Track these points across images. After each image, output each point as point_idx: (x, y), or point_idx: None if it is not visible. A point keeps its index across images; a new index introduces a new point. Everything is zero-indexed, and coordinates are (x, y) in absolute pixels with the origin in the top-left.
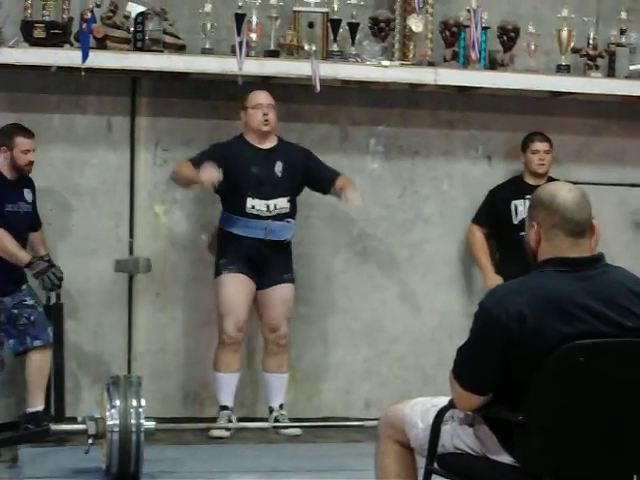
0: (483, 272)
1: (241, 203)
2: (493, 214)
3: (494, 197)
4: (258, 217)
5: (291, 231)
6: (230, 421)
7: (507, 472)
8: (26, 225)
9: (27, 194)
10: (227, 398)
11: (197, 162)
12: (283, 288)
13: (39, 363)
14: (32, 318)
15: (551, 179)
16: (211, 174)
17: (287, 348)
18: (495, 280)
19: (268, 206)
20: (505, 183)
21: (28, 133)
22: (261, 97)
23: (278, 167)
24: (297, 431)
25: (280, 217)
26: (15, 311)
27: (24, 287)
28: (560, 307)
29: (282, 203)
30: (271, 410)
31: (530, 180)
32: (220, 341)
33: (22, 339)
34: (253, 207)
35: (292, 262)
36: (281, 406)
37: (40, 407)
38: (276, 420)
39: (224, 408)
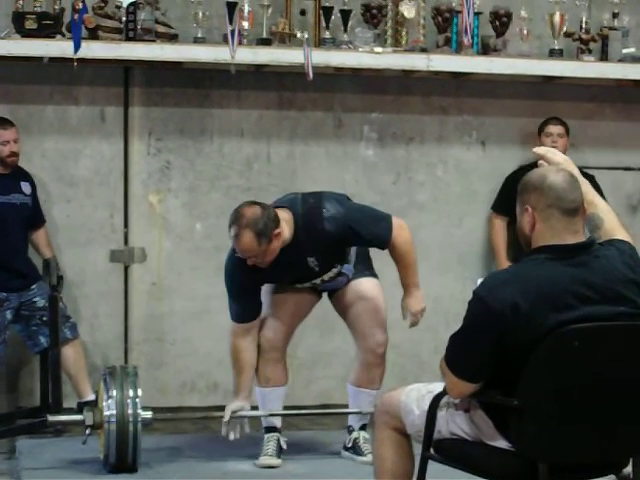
0: (496, 260)
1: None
2: (509, 201)
3: (509, 184)
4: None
5: (347, 276)
6: (280, 447)
7: (503, 457)
8: (22, 217)
9: (24, 186)
10: (271, 418)
11: (240, 318)
12: (361, 283)
13: (70, 355)
14: (45, 319)
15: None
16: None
17: (384, 359)
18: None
19: (314, 283)
20: (520, 169)
21: (4, 124)
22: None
23: (312, 262)
24: (367, 459)
25: (331, 279)
26: (25, 312)
27: (34, 287)
28: (553, 296)
29: (330, 273)
30: (350, 430)
31: None
32: (259, 347)
33: (36, 340)
34: (294, 283)
35: (371, 262)
36: (364, 427)
37: (91, 396)
38: (355, 443)
39: (269, 430)
